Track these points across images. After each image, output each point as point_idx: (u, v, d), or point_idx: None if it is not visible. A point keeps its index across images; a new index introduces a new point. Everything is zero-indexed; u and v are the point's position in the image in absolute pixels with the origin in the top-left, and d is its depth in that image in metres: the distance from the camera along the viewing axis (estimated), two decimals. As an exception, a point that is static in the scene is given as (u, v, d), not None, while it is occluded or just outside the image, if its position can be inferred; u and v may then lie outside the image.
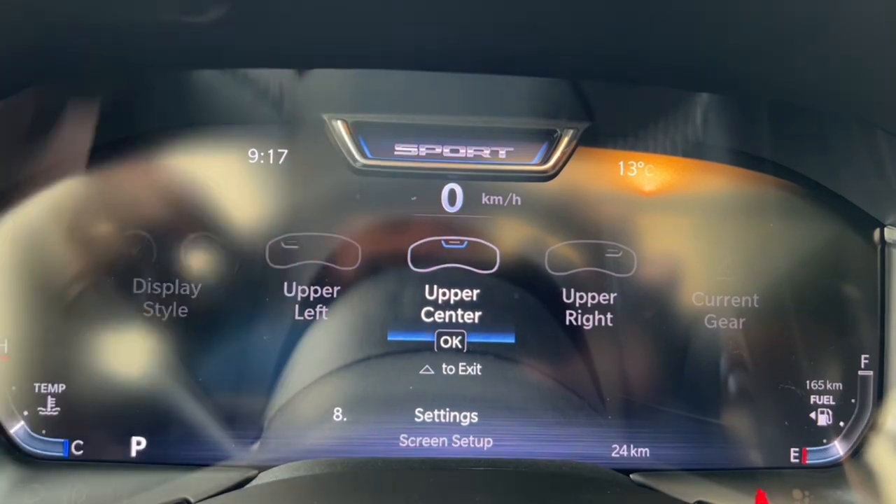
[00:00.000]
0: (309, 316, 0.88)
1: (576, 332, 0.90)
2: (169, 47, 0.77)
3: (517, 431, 0.89)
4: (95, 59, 0.78)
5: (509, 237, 0.90)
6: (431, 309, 0.89)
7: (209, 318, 0.87)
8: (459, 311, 0.89)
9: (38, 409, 0.86)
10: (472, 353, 0.89)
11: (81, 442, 0.86)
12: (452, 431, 0.89)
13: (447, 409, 0.89)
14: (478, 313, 0.89)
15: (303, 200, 0.88)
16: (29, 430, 0.86)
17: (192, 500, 0.76)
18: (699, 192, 0.92)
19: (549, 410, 0.89)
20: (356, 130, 0.88)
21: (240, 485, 0.81)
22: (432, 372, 0.89)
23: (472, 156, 0.89)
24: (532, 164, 0.90)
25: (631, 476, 0.87)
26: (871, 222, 0.93)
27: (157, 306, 0.86)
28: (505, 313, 0.89)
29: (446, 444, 0.89)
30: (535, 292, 0.89)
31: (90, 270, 0.86)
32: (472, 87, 0.88)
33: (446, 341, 0.89)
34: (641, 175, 0.91)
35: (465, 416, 0.89)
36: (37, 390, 0.86)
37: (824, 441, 0.92)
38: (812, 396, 0.92)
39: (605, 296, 0.90)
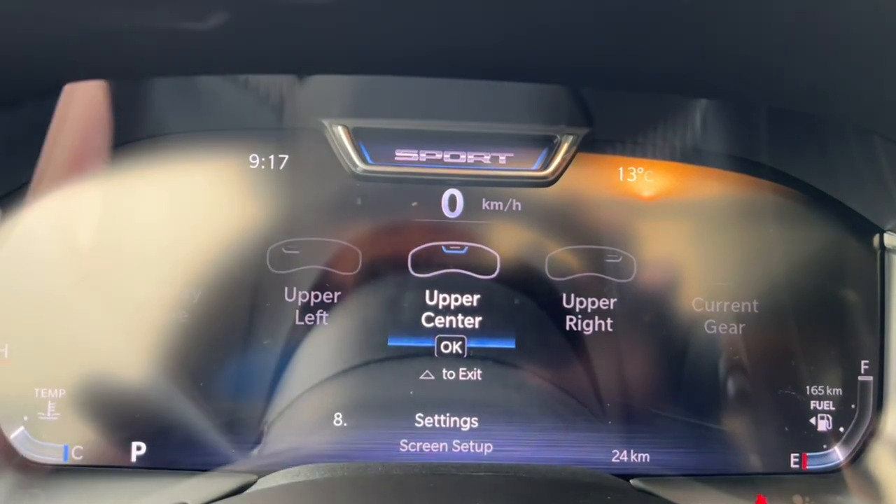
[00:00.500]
0: (309, 321, 0.88)
1: (576, 337, 0.90)
2: (170, 53, 0.77)
3: (517, 437, 0.89)
4: (96, 65, 0.78)
5: (509, 243, 0.90)
6: (432, 314, 0.89)
7: (209, 324, 0.87)
8: (460, 317, 0.89)
9: (39, 413, 0.86)
10: (473, 358, 0.89)
11: (81, 447, 0.86)
12: (452, 437, 0.89)
13: (447, 415, 0.89)
14: (478, 318, 0.89)
15: (303, 206, 0.89)
16: (29, 434, 0.86)
17: (191, 505, 0.76)
18: (698, 198, 0.92)
19: (550, 416, 0.89)
20: (357, 136, 0.88)
21: (240, 490, 0.81)
22: (432, 377, 0.89)
23: (472, 161, 0.90)
24: (532, 169, 0.90)
25: (631, 481, 0.87)
26: (871, 228, 0.93)
27: (158, 311, 0.86)
28: (505, 318, 0.89)
29: (446, 450, 0.89)
30: (535, 298, 0.90)
31: (90, 275, 0.87)
32: (472, 93, 0.88)
33: (446, 346, 0.89)
34: (641, 181, 0.91)
35: (465, 422, 0.89)
36: (37, 395, 0.85)
37: (824, 446, 0.92)
38: (812, 402, 0.92)
39: (605, 301, 0.90)
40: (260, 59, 0.80)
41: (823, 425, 0.92)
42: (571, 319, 0.90)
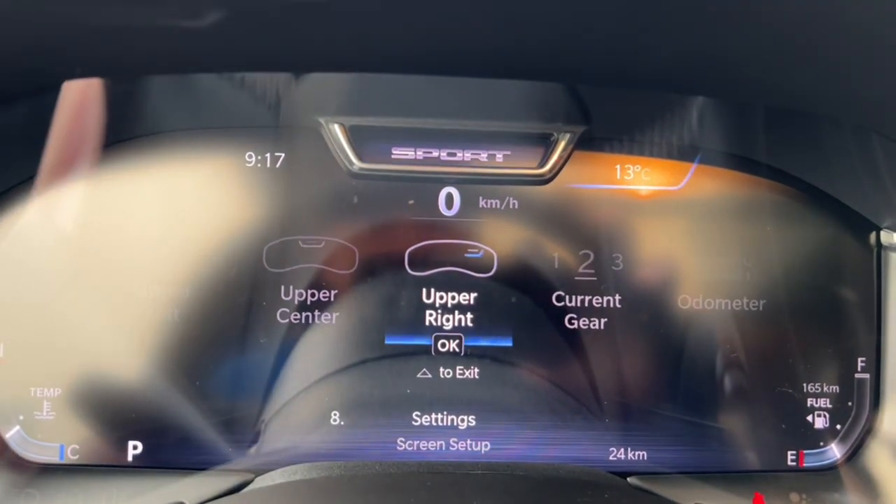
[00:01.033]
0: (306, 320, 0.88)
1: (573, 335, 0.90)
2: (167, 51, 0.77)
3: (515, 435, 0.89)
4: (93, 63, 0.78)
5: (506, 241, 0.90)
6: (429, 312, 0.89)
7: (206, 322, 0.87)
8: (457, 315, 0.89)
9: (35, 413, 0.85)
10: (470, 356, 0.89)
11: (77, 446, 0.86)
12: (450, 435, 0.89)
13: (444, 413, 0.89)
14: (475, 317, 0.89)
15: (300, 204, 0.88)
16: (25, 434, 0.85)
17: (188, 504, 0.76)
18: (696, 196, 0.92)
19: (547, 414, 0.89)
20: (353, 134, 0.88)
21: (237, 489, 0.81)
22: (430, 375, 0.89)
23: (469, 159, 0.90)
24: (529, 167, 0.90)
25: (628, 479, 0.87)
26: (868, 225, 0.93)
27: (154, 309, 0.86)
28: (502, 317, 0.89)
29: (444, 448, 0.89)
30: (532, 296, 0.89)
31: (86, 274, 0.86)
32: (469, 91, 0.88)
33: (444, 345, 0.89)
34: (638, 178, 0.91)
35: (462, 420, 0.89)
36: (33, 394, 0.85)
37: (821, 444, 0.92)
38: (809, 399, 0.92)
39: (602, 299, 0.90)
40: (256, 57, 0.80)
41: (820, 423, 0.92)
42: (569, 318, 0.90)
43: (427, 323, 0.89)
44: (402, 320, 0.89)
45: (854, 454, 0.92)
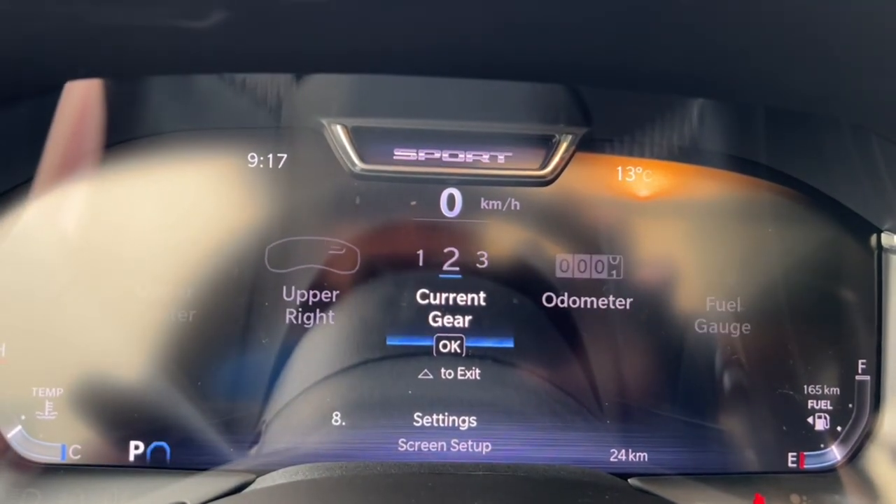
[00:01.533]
0: (308, 320, 0.88)
1: (574, 336, 0.90)
2: (169, 52, 0.77)
3: (516, 436, 0.89)
4: (95, 63, 0.78)
5: (508, 242, 0.90)
6: (430, 313, 0.89)
7: (208, 323, 0.87)
8: (458, 316, 0.89)
9: (36, 413, 0.85)
10: (471, 357, 0.89)
11: (79, 446, 0.86)
12: (451, 436, 0.89)
13: (446, 414, 0.89)
14: (477, 318, 0.89)
15: (302, 205, 0.88)
16: (26, 434, 0.86)
17: (189, 504, 0.76)
18: (697, 198, 0.92)
19: (548, 415, 0.89)
20: (355, 135, 0.88)
21: (238, 489, 0.81)
22: (431, 376, 0.89)
23: (470, 161, 0.90)
24: (531, 169, 0.90)
25: (629, 481, 0.87)
26: (868, 227, 0.93)
27: (155, 310, 0.86)
28: (504, 318, 0.89)
29: (445, 449, 0.89)
30: (533, 297, 0.90)
31: (88, 274, 0.86)
32: (471, 92, 0.88)
33: (445, 346, 0.89)
34: (640, 180, 0.91)
35: (463, 421, 0.89)
36: (34, 394, 0.85)
37: (821, 446, 0.92)
38: (809, 401, 0.92)
39: (603, 300, 0.90)
40: (259, 58, 0.80)
41: (821, 424, 0.92)
42: (570, 319, 0.90)
43: (428, 324, 0.89)
44: (404, 321, 0.89)
45: (854, 456, 0.92)
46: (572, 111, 0.90)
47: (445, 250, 0.89)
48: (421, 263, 0.89)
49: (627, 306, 0.90)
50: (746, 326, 0.91)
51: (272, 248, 0.88)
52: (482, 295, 0.89)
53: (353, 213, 0.88)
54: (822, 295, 0.93)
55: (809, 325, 0.92)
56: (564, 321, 0.90)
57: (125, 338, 0.86)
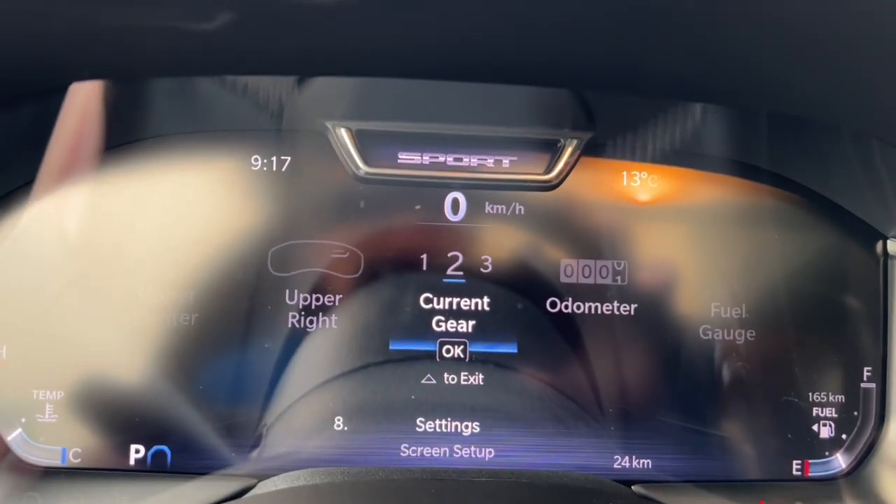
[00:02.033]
0: (310, 324, 0.87)
1: (578, 342, 0.89)
2: (173, 54, 0.77)
3: (519, 442, 0.88)
4: (99, 65, 0.77)
5: (512, 246, 0.89)
6: (434, 318, 0.88)
7: (209, 326, 0.86)
8: (462, 321, 0.89)
9: (37, 415, 0.85)
10: (474, 362, 0.89)
11: (79, 450, 0.85)
12: (454, 441, 0.88)
13: (448, 419, 0.88)
14: (480, 323, 0.89)
15: (305, 208, 0.88)
16: (26, 437, 0.85)
17: (190, 509, 0.75)
18: (702, 204, 0.92)
19: (551, 421, 0.89)
20: (360, 138, 0.88)
21: (239, 494, 0.80)
22: (434, 381, 0.88)
23: (475, 165, 0.89)
24: (535, 173, 0.89)
25: (633, 487, 0.86)
26: (874, 234, 0.93)
27: (157, 313, 0.86)
28: (507, 323, 0.89)
29: (447, 455, 0.88)
30: (537, 302, 0.89)
31: (90, 277, 0.86)
32: (475, 96, 0.88)
33: (448, 350, 0.88)
34: (645, 185, 0.91)
35: (466, 426, 0.88)
36: (35, 397, 0.85)
37: (826, 454, 0.92)
38: (814, 409, 0.91)
39: (607, 306, 0.90)
40: (263, 61, 0.80)
41: (825, 432, 0.92)
42: (574, 324, 0.89)
43: (431, 328, 0.88)
44: (407, 325, 0.88)
45: (859, 464, 0.92)
46: (577, 116, 0.90)
47: (449, 254, 0.89)
48: (424, 267, 0.89)
49: (632, 312, 0.90)
50: (751, 333, 0.91)
51: (275, 251, 0.87)
52: (486, 300, 0.89)
53: (356, 216, 0.88)
54: (828, 302, 0.92)
55: (814, 333, 0.92)
56: (568, 327, 0.89)
57: (126, 341, 0.86)
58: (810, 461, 0.91)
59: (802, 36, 0.68)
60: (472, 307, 0.89)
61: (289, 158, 0.88)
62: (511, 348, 0.89)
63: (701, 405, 0.90)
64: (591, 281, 0.90)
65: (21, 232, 0.86)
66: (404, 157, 0.89)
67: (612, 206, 0.91)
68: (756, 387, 0.91)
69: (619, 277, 0.90)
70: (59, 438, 0.85)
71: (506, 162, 0.90)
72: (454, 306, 0.89)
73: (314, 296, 0.88)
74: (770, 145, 0.92)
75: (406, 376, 0.88)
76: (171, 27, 0.69)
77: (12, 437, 0.85)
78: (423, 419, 0.88)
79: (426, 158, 0.89)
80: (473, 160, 0.89)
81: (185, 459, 0.85)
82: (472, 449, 0.89)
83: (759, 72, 0.76)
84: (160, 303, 0.86)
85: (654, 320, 0.90)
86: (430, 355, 0.88)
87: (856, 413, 0.92)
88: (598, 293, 0.90)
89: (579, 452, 0.89)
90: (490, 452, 0.89)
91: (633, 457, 0.90)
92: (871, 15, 0.64)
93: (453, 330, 0.88)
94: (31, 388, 0.85)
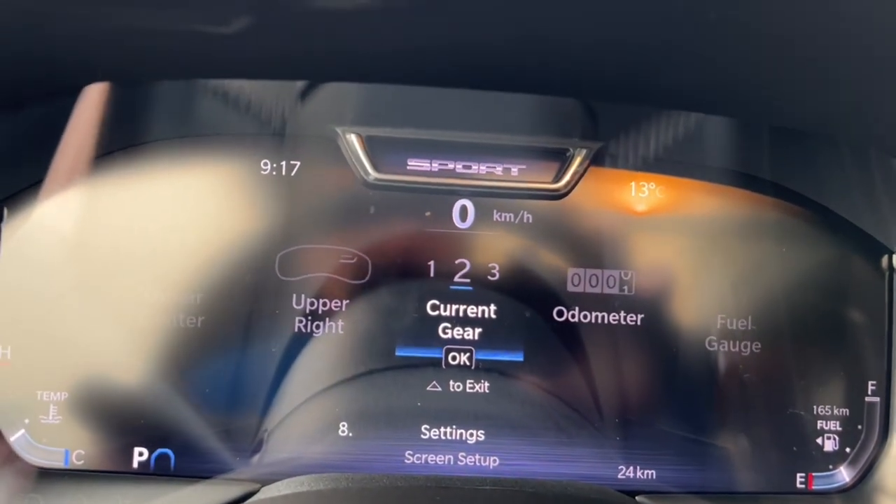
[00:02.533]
0: (317, 329, 0.87)
1: (584, 352, 0.89)
2: (185, 57, 0.77)
3: (524, 450, 0.88)
4: (111, 67, 0.78)
5: (520, 255, 0.89)
6: (440, 325, 0.88)
7: (216, 329, 0.86)
8: (468, 328, 0.88)
9: (40, 417, 0.85)
10: (480, 370, 0.88)
11: (83, 451, 0.85)
12: (458, 449, 0.88)
13: (454, 427, 0.88)
14: (487, 331, 0.89)
15: (314, 213, 0.88)
16: (30, 438, 0.85)
17: (194, 513, 0.75)
18: (709, 215, 0.92)
19: (556, 430, 0.89)
20: (369, 144, 0.88)
21: (242, 499, 0.80)
22: (439, 388, 0.88)
23: (484, 172, 0.89)
24: (544, 182, 0.90)
25: (637, 498, 0.86)
26: (880, 248, 0.93)
27: (164, 315, 0.86)
28: (514, 331, 0.89)
29: (452, 462, 0.88)
30: (544, 311, 0.89)
31: (96, 279, 0.86)
32: (486, 104, 0.88)
33: (454, 358, 0.88)
34: (653, 196, 0.91)
35: (471, 434, 0.88)
36: (39, 398, 0.84)
37: (830, 467, 0.92)
38: (818, 422, 0.91)
39: (614, 316, 0.90)
40: (275, 65, 0.80)
41: (830, 445, 0.92)
42: (580, 334, 0.89)
43: (438, 335, 0.88)
44: (413, 332, 0.88)
45: (863, 478, 0.92)
46: (586, 125, 0.90)
47: (457, 262, 0.89)
48: (432, 274, 0.89)
49: (638, 322, 0.90)
50: (757, 345, 0.91)
51: (283, 255, 0.87)
52: (493, 307, 0.89)
53: (364, 222, 0.88)
54: (833, 315, 0.93)
55: (820, 346, 0.92)
56: (575, 336, 0.89)
57: (132, 343, 0.86)
58: (814, 474, 0.91)
59: (807, 51, 0.68)
60: (479, 315, 0.89)
61: (298, 163, 0.88)
62: (517, 357, 0.89)
63: (706, 416, 0.90)
64: (597, 290, 0.90)
65: (28, 233, 0.86)
66: (413, 163, 0.89)
67: (620, 216, 0.91)
68: (761, 399, 0.91)
69: (626, 287, 0.90)
70: (63, 440, 0.85)
71: (514, 170, 0.90)
72: (461, 313, 0.88)
73: (321, 300, 0.87)
74: (778, 158, 0.92)
75: (411, 383, 0.88)
76: (185, 30, 0.70)
77: (15, 438, 0.85)
78: (427, 426, 0.88)
79: (435, 165, 0.89)
80: (482, 168, 0.89)
81: (188, 463, 0.85)
82: (477, 457, 0.88)
83: (771, 85, 0.77)
84: (166, 305, 0.86)
85: (660, 331, 0.90)
86: (435, 362, 0.88)
87: (860, 427, 0.92)
88: (604, 303, 0.90)
89: (584, 462, 0.89)
90: (495, 461, 0.88)
91: (638, 467, 0.89)
92: (872, 30, 0.64)
93: (459, 337, 0.88)
94: (34, 390, 0.85)
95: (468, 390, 0.88)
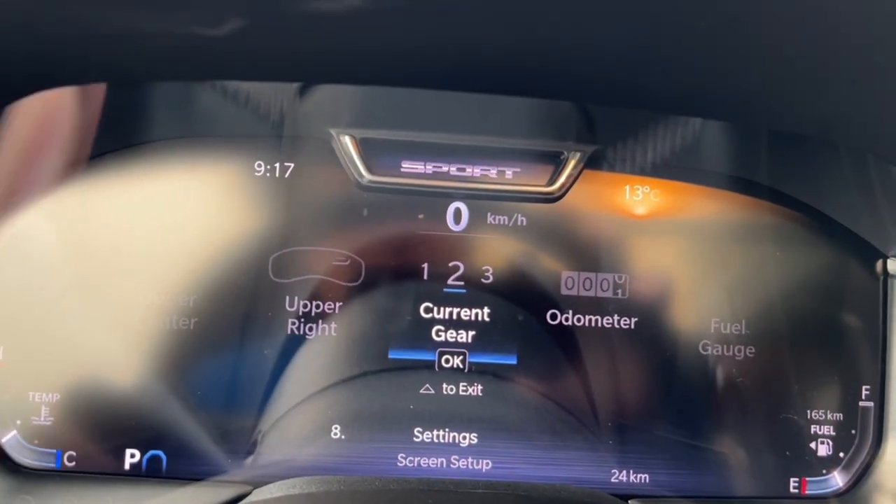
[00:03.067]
0: (310, 331, 0.87)
1: (578, 355, 0.89)
2: (179, 58, 0.77)
3: (517, 454, 0.88)
4: (104, 68, 0.78)
5: (514, 258, 0.89)
6: (433, 327, 0.88)
7: (208, 331, 0.86)
8: (462, 331, 0.88)
9: (32, 418, 0.84)
10: (474, 373, 0.88)
11: (74, 453, 0.85)
12: (451, 452, 0.88)
13: (446, 430, 0.88)
14: (480, 333, 0.88)
15: (308, 215, 0.88)
16: (21, 439, 0.84)
17: (185, 515, 0.75)
18: (704, 219, 0.92)
19: (549, 433, 0.88)
20: (363, 146, 0.88)
21: (234, 501, 0.80)
22: (432, 391, 0.88)
23: (478, 175, 0.89)
24: (538, 185, 0.90)
25: (629, 502, 0.86)
26: (874, 253, 0.93)
27: (156, 318, 0.85)
28: (507, 334, 0.89)
29: (445, 465, 0.88)
30: (538, 313, 0.89)
31: (89, 280, 0.86)
32: (480, 107, 0.88)
33: (447, 360, 0.88)
34: (647, 199, 0.91)
35: (464, 437, 0.88)
36: (31, 399, 0.84)
37: (824, 472, 0.92)
38: (812, 426, 0.91)
39: (608, 319, 0.90)
40: (269, 67, 0.80)
41: (823, 450, 0.91)
42: (574, 337, 0.89)
43: (431, 338, 0.88)
44: (406, 334, 0.88)
45: (856, 483, 0.92)
46: (581, 128, 0.90)
47: (450, 264, 0.89)
48: (425, 277, 0.88)
49: (632, 326, 0.90)
50: (751, 349, 0.91)
51: (276, 257, 0.87)
52: (486, 310, 0.89)
53: (358, 224, 0.88)
54: (827, 320, 0.93)
55: (813, 350, 0.92)
56: (568, 339, 0.89)
57: (124, 344, 0.85)
58: (808, 479, 0.91)
59: (804, 55, 0.68)
60: (473, 317, 0.89)
61: (292, 165, 0.88)
62: (510, 360, 0.89)
63: (699, 421, 0.90)
64: (591, 294, 0.90)
65: (20, 233, 0.85)
66: (407, 165, 0.89)
67: (614, 220, 0.91)
68: (754, 403, 0.91)
69: (619, 291, 0.90)
70: (55, 441, 0.84)
71: (509, 173, 0.90)
72: (454, 316, 0.88)
73: (314, 303, 0.87)
74: (771, 162, 0.92)
75: (404, 386, 0.88)
76: (178, 32, 0.70)
77: (7, 438, 0.84)
78: (420, 429, 0.88)
79: (429, 168, 0.89)
80: (476, 170, 0.89)
81: (180, 465, 0.85)
82: (470, 460, 0.88)
83: (766, 90, 0.77)
84: (159, 307, 0.86)
85: (653, 334, 0.90)
86: (429, 365, 0.88)
87: (853, 431, 0.92)
88: (598, 306, 0.90)
89: (577, 465, 0.89)
90: (487, 464, 0.88)
91: (631, 471, 0.89)
92: (869, 35, 0.64)
93: (453, 340, 0.88)
94: (27, 390, 0.84)
95: (461, 393, 0.88)
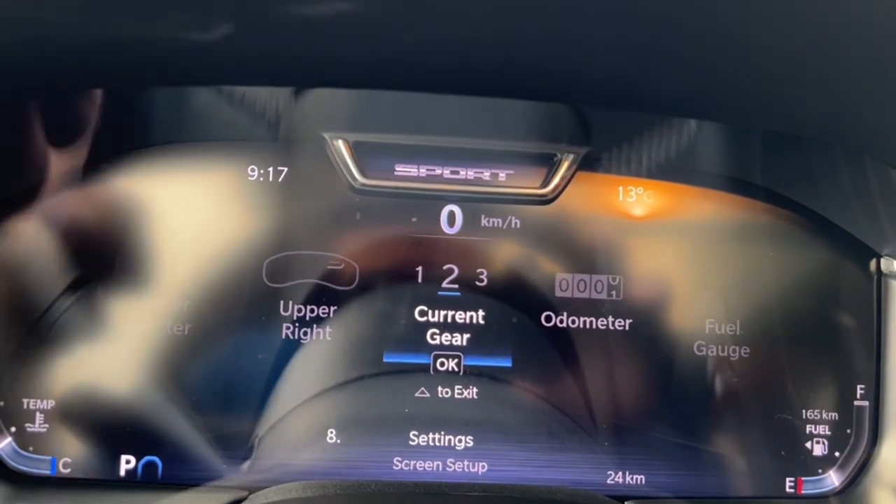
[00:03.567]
0: (304, 335, 0.87)
1: (573, 357, 0.89)
2: (172, 63, 0.77)
3: (512, 456, 0.88)
4: (99, 73, 0.77)
5: (508, 260, 0.89)
6: (428, 330, 0.88)
7: (203, 336, 0.86)
8: (456, 334, 0.88)
9: (27, 425, 0.84)
10: (469, 376, 0.88)
11: (69, 460, 0.85)
12: (447, 455, 0.88)
13: (442, 433, 0.88)
14: (475, 336, 0.88)
15: (302, 219, 0.88)
16: (16, 446, 0.84)
17: (181, 521, 0.75)
18: (698, 220, 0.92)
19: (545, 435, 0.88)
20: (357, 150, 0.88)
21: (230, 506, 0.80)
22: (428, 395, 0.88)
23: (472, 178, 0.89)
24: (532, 187, 0.90)
25: (626, 503, 0.86)
26: (868, 252, 0.93)
27: (150, 323, 0.85)
28: (502, 337, 0.89)
29: (440, 468, 0.88)
30: (532, 316, 0.89)
31: (81, 287, 0.85)
32: (473, 110, 0.88)
33: (442, 364, 0.88)
34: (641, 201, 0.91)
35: (459, 440, 0.88)
36: (25, 406, 0.84)
37: (819, 471, 0.92)
38: (808, 426, 0.92)
39: (602, 321, 0.90)
40: (262, 71, 0.80)
41: (819, 450, 0.92)
42: (569, 339, 0.89)
43: (426, 341, 0.88)
44: (401, 338, 0.88)
45: (852, 482, 0.92)
46: (574, 130, 0.90)
47: (445, 267, 0.89)
48: (420, 280, 0.88)
49: (626, 327, 0.90)
50: (745, 350, 0.91)
51: (270, 261, 0.87)
52: (481, 313, 0.89)
53: (352, 228, 0.88)
54: (822, 319, 0.93)
55: (808, 350, 0.92)
56: (563, 341, 0.89)
57: (119, 350, 0.85)
58: (803, 479, 0.91)
59: (797, 56, 0.68)
60: (467, 320, 0.89)
61: (285, 169, 0.88)
62: (505, 362, 0.89)
63: (695, 421, 0.90)
64: (586, 295, 0.90)
65: (14, 239, 0.85)
66: (401, 169, 0.89)
67: (608, 221, 0.91)
68: (750, 403, 0.91)
69: (614, 292, 0.90)
70: (50, 448, 0.84)
71: (502, 175, 0.90)
72: (449, 319, 0.88)
73: (308, 307, 0.87)
74: (765, 162, 0.92)
75: (400, 389, 0.88)
76: (171, 37, 0.70)
77: (2, 446, 0.84)
78: (416, 432, 0.88)
79: (423, 171, 0.89)
80: (470, 173, 0.89)
81: (175, 471, 0.85)
82: (466, 463, 0.88)
83: (754, 90, 0.77)
84: (153, 312, 0.86)
85: (648, 336, 0.90)
86: (424, 368, 0.88)
87: (849, 431, 0.92)
88: (593, 308, 0.90)
89: (573, 467, 0.89)
90: (483, 466, 0.88)
91: (627, 472, 0.89)
92: (865, 37, 0.64)
93: (448, 343, 0.88)
94: (21, 397, 0.84)
95: (457, 396, 0.88)
